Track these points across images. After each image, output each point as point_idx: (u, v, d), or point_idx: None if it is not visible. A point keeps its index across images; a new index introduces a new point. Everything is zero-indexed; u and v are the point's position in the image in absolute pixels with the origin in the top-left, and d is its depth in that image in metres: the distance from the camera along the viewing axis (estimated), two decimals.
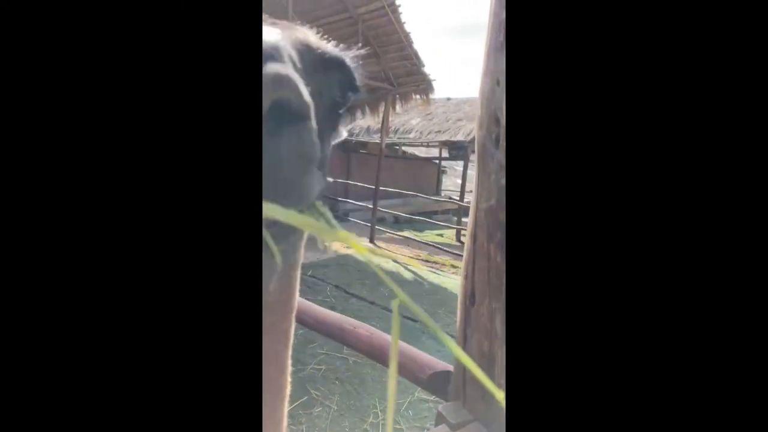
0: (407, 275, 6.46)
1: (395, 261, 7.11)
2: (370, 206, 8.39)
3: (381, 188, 8.15)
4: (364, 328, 1.38)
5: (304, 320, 1.56)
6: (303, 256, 0.79)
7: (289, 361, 0.82)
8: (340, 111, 0.64)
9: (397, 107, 8.08)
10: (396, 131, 10.87)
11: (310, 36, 0.62)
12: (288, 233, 0.65)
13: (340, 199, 10.01)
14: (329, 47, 0.63)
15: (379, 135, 9.10)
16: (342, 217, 10.34)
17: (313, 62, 0.58)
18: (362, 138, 11.56)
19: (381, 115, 7.97)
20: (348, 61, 0.65)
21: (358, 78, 0.65)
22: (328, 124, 0.64)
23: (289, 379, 0.84)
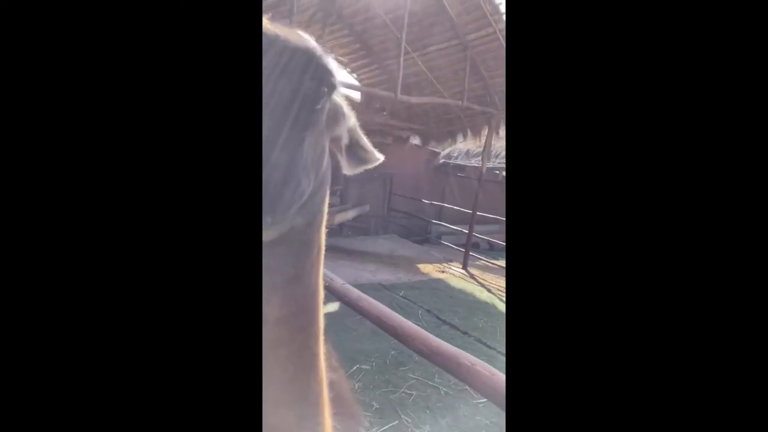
0: (502, 307, 6.10)
1: (489, 291, 6.79)
2: (465, 230, 8.19)
3: (478, 213, 7.92)
4: (482, 366, 1.30)
5: (418, 348, 1.54)
6: (318, 271, 0.70)
7: (319, 387, 0.70)
8: (317, 107, 0.58)
9: (501, 131, 7.85)
10: (497, 155, 10.55)
11: (289, 32, 0.57)
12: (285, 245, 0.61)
13: (433, 221, 9.97)
14: (300, 40, 0.58)
15: (477, 158, 8.90)
16: (434, 239, 10.27)
17: (283, 55, 0.55)
18: (461, 161, 11.46)
19: (483, 138, 7.83)
20: (318, 52, 0.58)
21: (333, 71, 0.59)
22: (305, 121, 0.56)
23: (322, 407, 0.71)
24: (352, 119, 0.70)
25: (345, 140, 0.70)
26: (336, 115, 0.66)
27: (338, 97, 0.67)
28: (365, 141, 0.73)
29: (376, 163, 0.74)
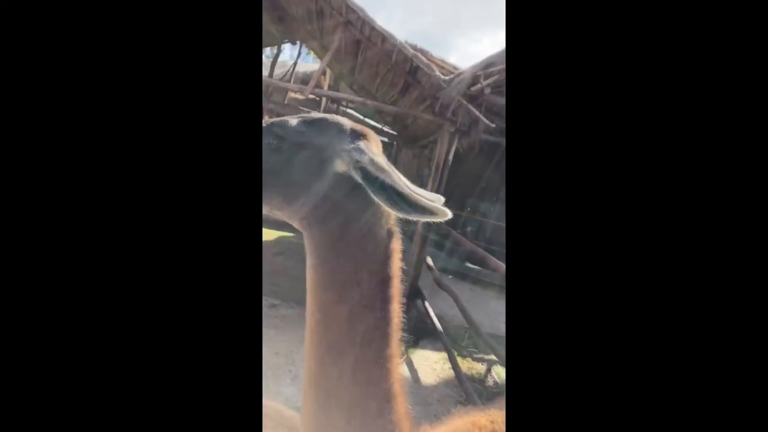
0: None
1: None
2: None
3: None
4: None
5: None
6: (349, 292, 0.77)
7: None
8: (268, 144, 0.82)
9: None
10: None
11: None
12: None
13: None
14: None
15: None
16: None
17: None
18: None
19: None
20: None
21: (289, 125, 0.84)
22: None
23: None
24: (362, 157, 0.78)
25: (357, 177, 0.78)
26: (321, 153, 0.81)
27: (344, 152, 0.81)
28: (403, 188, 0.74)
29: (429, 218, 0.74)
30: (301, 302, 4.66)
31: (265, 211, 0.84)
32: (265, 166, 0.79)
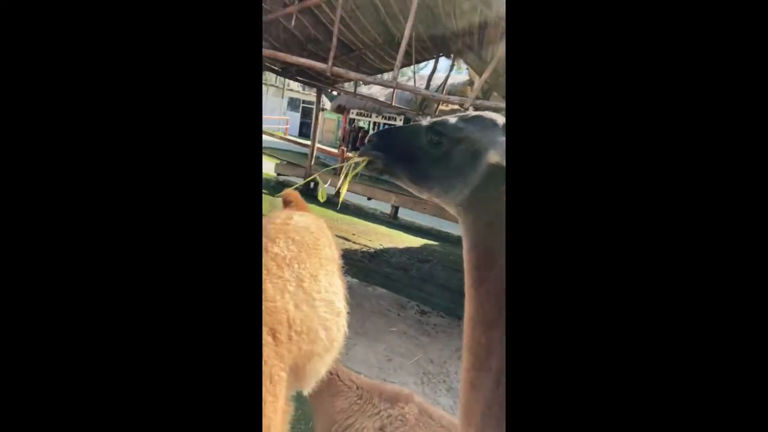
0: None
1: None
2: None
3: None
4: None
5: None
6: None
7: None
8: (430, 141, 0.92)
9: None
10: None
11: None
12: None
13: None
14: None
15: None
16: None
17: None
18: None
19: None
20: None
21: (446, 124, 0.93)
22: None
23: None
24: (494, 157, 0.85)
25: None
26: (476, 146, 0.88)
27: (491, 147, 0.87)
28: None
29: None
30: (450, 312, 4.68)
31: (425, 197, 0.96)
32: (426, 159, 0.90)
